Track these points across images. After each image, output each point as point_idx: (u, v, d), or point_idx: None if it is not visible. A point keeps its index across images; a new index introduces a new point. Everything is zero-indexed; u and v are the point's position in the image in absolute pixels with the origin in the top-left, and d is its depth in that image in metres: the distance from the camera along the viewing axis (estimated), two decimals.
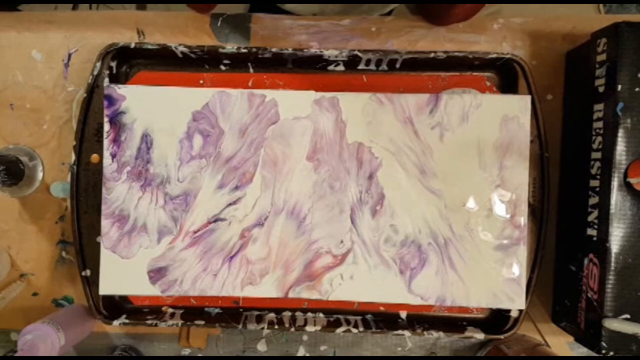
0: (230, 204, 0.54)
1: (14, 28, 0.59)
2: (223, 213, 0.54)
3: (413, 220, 0.54)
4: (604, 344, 0.48)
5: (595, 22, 0.55)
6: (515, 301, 0.53)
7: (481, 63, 0.56)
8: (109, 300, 0.56)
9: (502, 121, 0.53)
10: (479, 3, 0.54)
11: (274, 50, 0.54)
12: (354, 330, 0.54)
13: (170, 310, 0.57)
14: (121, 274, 0.54)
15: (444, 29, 0.59)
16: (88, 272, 0.55)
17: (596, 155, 0.51)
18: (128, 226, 0.54)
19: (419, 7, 0.59)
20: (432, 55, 0.54)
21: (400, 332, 0.54)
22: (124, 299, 0.58)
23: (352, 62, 0.55)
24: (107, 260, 0.54)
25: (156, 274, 0.54)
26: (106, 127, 0.54)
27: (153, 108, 0.54)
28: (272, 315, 0.57)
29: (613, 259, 0.49)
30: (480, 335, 0.54)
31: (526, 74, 0.54)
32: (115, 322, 0.54)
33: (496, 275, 0.53)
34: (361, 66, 0.56)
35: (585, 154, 0.53)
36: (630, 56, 0.48)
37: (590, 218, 0.51)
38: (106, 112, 0.54)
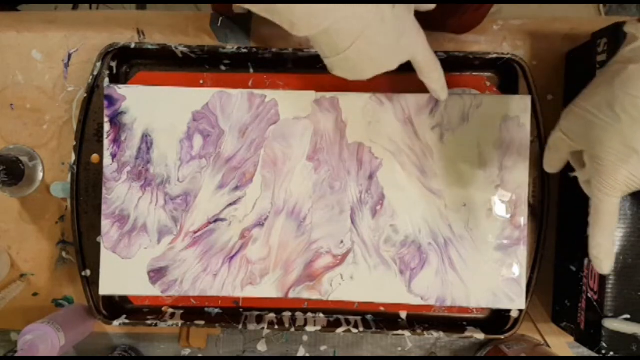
0: (230, 204, 0.54)
1: (14, 28, 0.59)
2: (223, 213, 0.54)
3: (413, 221, 0.54)
4: (604, 344, 0.48)
5: (595, 23, 0.55)
6: (515, 301, 0.53)
7: (481, 63, 0.56)
8: (109, 300, 0.56)
9: (503, 121, 0.53)
10: (475, 3, 0.54)
11: (274, 50, 0.54)
12: (354, 331, 0.54)
13: (170, 310, 0.57)
14: (121, 274, 0.54)
15: None
16: (88, 272, 0.55)
17: None
18: (128, 226, 0.54)
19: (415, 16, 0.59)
20: None
21: (400, 332, 0.54)
22: (124, 299, 0.58)
23: None
24: (107, 260, 0.54)
25: (156, 274, 0.54)
26: (106, 127, 0.54)
27: (153, 108, 0.54)
28: (272, 315, 0.57)
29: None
30: (480, 335, 0.54)
31: (526, 74, 0.54)
32: (115, 322, 0.54)
33: (496, 275, 0.53)
34: None
35: None
36: None
37: None
38: (106, 112, 0.54)
